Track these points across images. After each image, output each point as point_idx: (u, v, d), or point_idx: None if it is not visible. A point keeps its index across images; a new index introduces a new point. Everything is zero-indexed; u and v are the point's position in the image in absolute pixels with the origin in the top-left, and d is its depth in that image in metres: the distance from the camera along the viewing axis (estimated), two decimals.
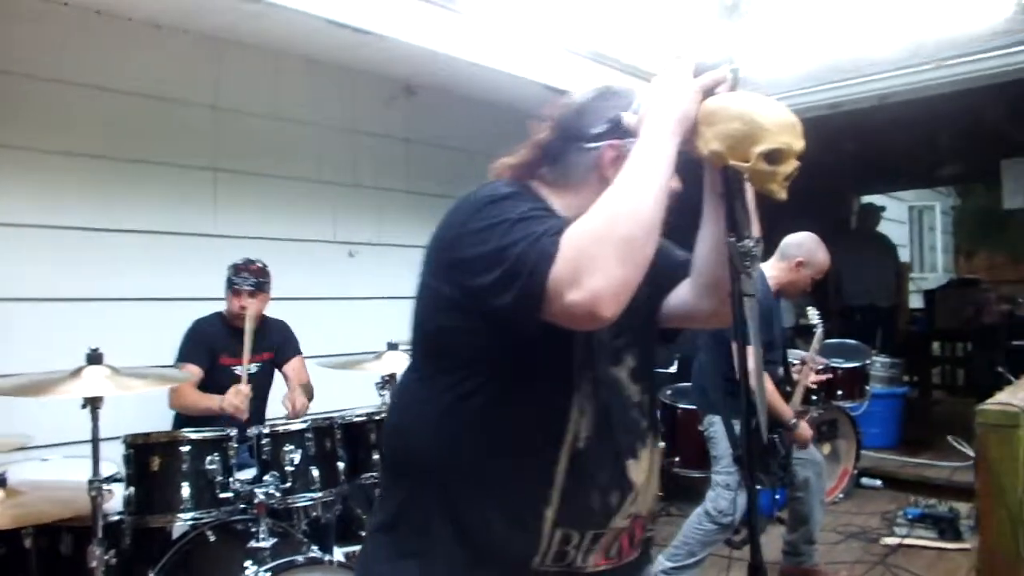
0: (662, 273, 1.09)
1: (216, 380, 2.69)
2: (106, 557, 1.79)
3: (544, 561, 1.04)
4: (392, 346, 2.35)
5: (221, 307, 2.86)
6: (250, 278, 2.72)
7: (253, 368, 2.79)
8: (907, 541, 3.42)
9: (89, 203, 2.96)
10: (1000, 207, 10.37)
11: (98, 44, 2.97)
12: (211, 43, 3.29)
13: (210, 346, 2.73)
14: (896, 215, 9.08)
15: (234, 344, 2.73)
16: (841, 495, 4.16)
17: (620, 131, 1.02)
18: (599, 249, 0.86)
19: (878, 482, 4.37)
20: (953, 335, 6.62)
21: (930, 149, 5.36)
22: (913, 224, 9.50)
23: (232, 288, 2.72)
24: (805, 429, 2.81)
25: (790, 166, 0.91)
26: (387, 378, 2.40)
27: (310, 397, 2.99)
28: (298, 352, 3.04)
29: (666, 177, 0.91)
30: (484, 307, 0.95)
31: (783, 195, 0.93)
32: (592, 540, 1.06)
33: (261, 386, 2.88)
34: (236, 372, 2.72)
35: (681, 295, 1.14)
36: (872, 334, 4.78)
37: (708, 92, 0.95)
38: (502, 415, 1.03)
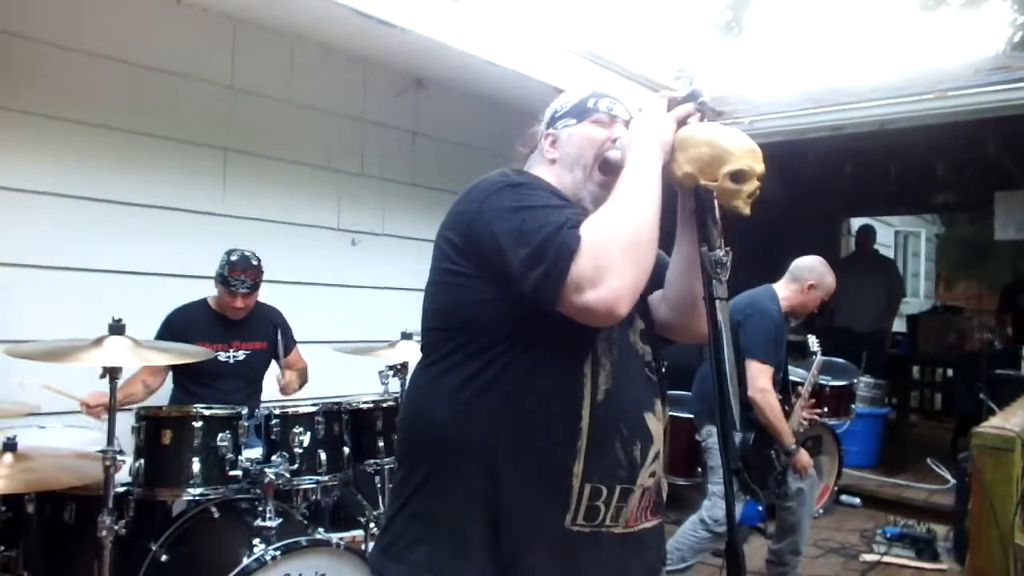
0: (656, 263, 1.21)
1: (197, 366, 2.58)
2: (116, 527, 1.78)
3: (576, 519, 1.07)
4: (406, 335, 2.36)
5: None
6: (247, 281, 2.65)
7: (241, 355, 2.79)
8: (886, 559, 3.50)
9: (97, 173, 2.94)
10: (983, 238, 10.64)
11: (117, 15, 2.95)
12: (228, 22, 3.29)
13: (186, 337, 2.58)
14: (883, 239, 9.26)
15: (220, 331, 2.71)
16: (821, 510, 4.23)
17: (554, 122, 1.26)
18: (616, 252, 0.96)
19: (857, 500, 4.45)
20: (933, 360, 6.77)
21: (924, 177, 5.48)
22: (898, 249, 9.68)
23: (229, 288, 2.65)
24: (804, 456, 2.86)
25: (752, 185, 1.03)
26: (398, 366, 2.40)
27: (304, 380, 3.00)
28: (295, 342, 3.03)
29: (658, 192, 1.03)
30: (504, 284, 1.03)
31: (747, 210, 1.04)
32: (621, 497, 1.09)
33: (253, 374, 2.86)
34: (220, 359, 2.70)
35: (659, 306, 1.25)
36: (857, 355, 4.86)
37: (681, 123, 1.08)
38: (523, 377, 1.07)
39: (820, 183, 5.45)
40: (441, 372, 1.13)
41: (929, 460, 4.83)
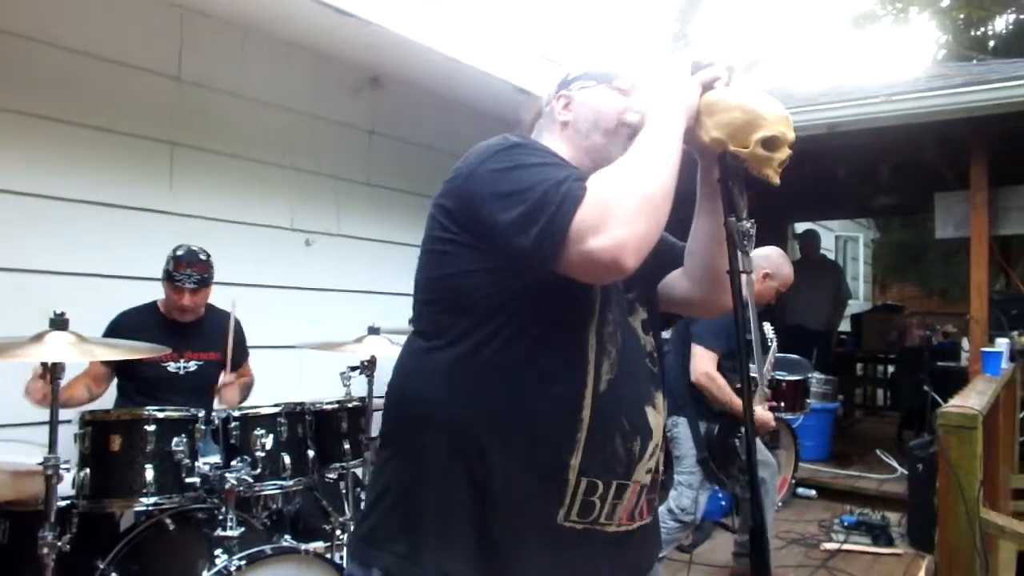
0: (662, 247, 1.16)
1: (143, 375, 2.48)
2: (59, 543, 1.62)
3: (569, 515, 1.02)
4: (373, 330, 2.27)
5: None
6: (194, 275, 2.50)
7: (193, 366, 2.63)
8: (845, 547, 3.58)
9: (34, 167, 2.74)
10: (915, 243, 11.15)
11: (57, 1, 2.77)
12: (176, 10, 3.14)
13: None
14: (824, 243, 9.59)
15: (171, 339, 2.52)
16: (780, 503, 4.30)
17: (566, 85, 1.18)
18: (624, 200, 0.90)
19: (813, 492, 4.55)
20: (875, 357, 7.02)
21: (866, 181, 5.69)
22: (838, 253, 10.05)
23: (173, 284, 2.50)
24: (762, 414, 2.89)
25: (784, 153, 1.00)
26: (364, 363, 2.31)
27: (246, 396, 2.83)
28: (248, 353, 2.88)
29: (677, 153, 0.98)
30: (501, 246, 0.96)
31: (777, 180, 1.01)
32: (616, 493, 1.04)
33: (204, 386, 2.67)
34: (170, 369, 2.55)
35: (679, 283, 1.21)
36: (807, 353, 4.99)
37: (707, 87, 1.04)
38: (523, 360, 1.01)
39: (767, 187, 5.59)
40: (432, 348, 1.06)
41: (878, 451, 4.99)
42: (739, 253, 0.97)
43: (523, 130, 1.23)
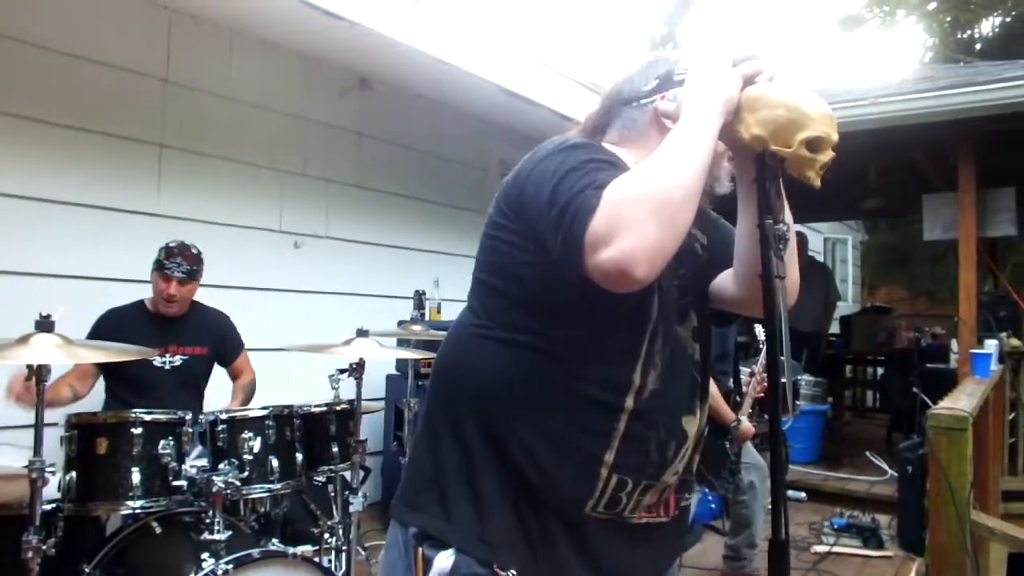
0: (722, 244, 1.16)
1: (129, 371, 2.46)
2: (44, 547, 1.60)
3: (597, 506, 1.04)
4: (362, 332, 2.25)
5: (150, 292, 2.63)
6: (184, 264, 2.52)
7: (178, 360, 2.62)
8: (835, 549, 3.58)
9: (21, 169, 2.72)
10: (902, 245, 11.22)
11: (45, 1, 2.75)
12: (163, 12, 3.12)
13: (118, 341, 2.35)
14: (813, 246, 9.65)
15: (155, 334, 2.53)
16: (770, 506, 4.30)
17: (672, 84, 1.08)
18: (634, 209, 0.86)
19: (803, 495, 4.55)
20: (865, 359, 7.05)
21: (854, 183, 5.73)
22: (827, 255, 10.11)
23: (163, 272, 2.51)
24: (747, 426, 2.91)
25: (828, 155, 0.95)
26: (353, 366, 2.29)
27: (251, 395, 2.84)
28: (242, 346, 2.88)
29: (708, 152, 0.93)
30: (545, 251, 0.96)
31: (818, 183, 0.96)
32: (643, 491, 1.06)
33: (190, 381, 2.68)
34: (155, 363, 2.54)
35: (729, 282, 1.18)
36: (797, 354, 5.02)
37: (748, 81, 0.98)
38: (574, 360, 1.02)
39: None
40: (482, 327, 1.08)
41: (868, 453, 5.01)
42: (773, 258, 0.92)
43: (586, 125, 1.17)
